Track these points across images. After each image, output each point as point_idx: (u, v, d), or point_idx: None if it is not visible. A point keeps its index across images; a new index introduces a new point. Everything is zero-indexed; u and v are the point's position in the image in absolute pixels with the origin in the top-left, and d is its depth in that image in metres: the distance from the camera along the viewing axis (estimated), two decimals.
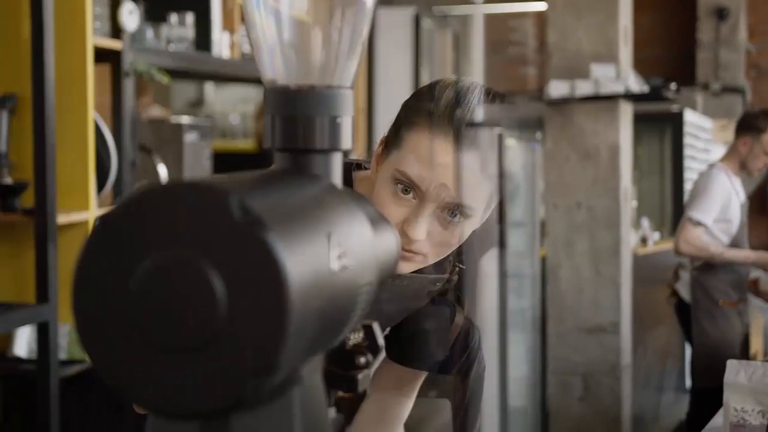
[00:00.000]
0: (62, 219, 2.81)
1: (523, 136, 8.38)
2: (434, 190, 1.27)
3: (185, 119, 3.99)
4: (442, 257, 1.35)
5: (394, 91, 6.02)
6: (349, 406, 1.38)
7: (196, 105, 6.56)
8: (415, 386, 1.48)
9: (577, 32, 5.90)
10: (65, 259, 2.81)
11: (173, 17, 3.73)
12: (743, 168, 4.54)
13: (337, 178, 0.79)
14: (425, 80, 6.93)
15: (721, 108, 9.19)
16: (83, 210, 2.94)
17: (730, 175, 4.52)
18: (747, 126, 4.51)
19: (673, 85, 6.90)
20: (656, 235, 6.03)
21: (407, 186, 1.28)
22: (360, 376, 0.82)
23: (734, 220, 4.49)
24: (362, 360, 0.84)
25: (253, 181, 0.67)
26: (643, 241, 5.85)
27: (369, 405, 1.42)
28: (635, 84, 6.31)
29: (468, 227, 1.33)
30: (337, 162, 0.79)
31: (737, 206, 4.52)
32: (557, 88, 6.05)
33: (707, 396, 3.73)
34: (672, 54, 9.95)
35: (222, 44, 3.99)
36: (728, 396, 2.06)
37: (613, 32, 5.78)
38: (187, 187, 0.60)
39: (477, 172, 1.29)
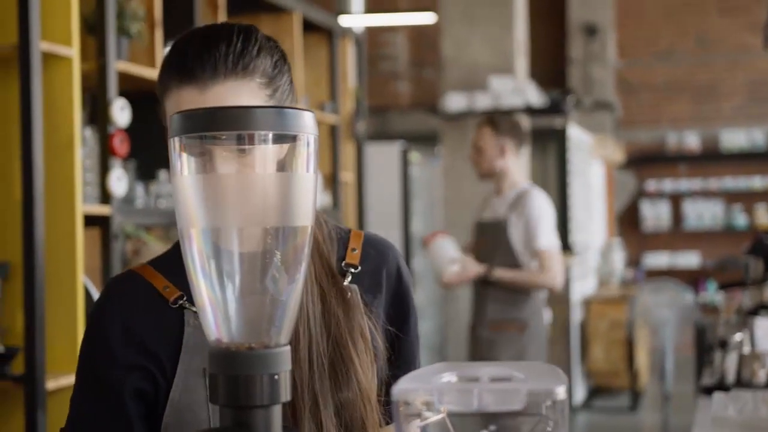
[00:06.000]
0: (51, 384, 2.86)
1: (425, 151, 8.38)
2: None
3: None
4: None
5: None
6: None
7: None
8: None
9: (473, 44, 5.73)
10: (55, 426, 2.84)
11: (162, 174, 3.84)
12: (483, 177, 4.41)
13: (276, 428, 0.86)
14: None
15: (592, 123, 9.22)
16: (73, 374, 2.97)
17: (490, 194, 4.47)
18: None
19: (570, 98, 6.85)
20: None
21: None
22: None
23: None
24: None
25: None
26: None
27: None
28: (535, 96, 6.23)
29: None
30: (276, 414, 0.86)
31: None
32: (455, 102, 5.93)
33: None
34: (545, 69, 10.05)
35: None
36: None
37: (508, 44, 5.68)
38: None
39: (242, 97, 1.26)
